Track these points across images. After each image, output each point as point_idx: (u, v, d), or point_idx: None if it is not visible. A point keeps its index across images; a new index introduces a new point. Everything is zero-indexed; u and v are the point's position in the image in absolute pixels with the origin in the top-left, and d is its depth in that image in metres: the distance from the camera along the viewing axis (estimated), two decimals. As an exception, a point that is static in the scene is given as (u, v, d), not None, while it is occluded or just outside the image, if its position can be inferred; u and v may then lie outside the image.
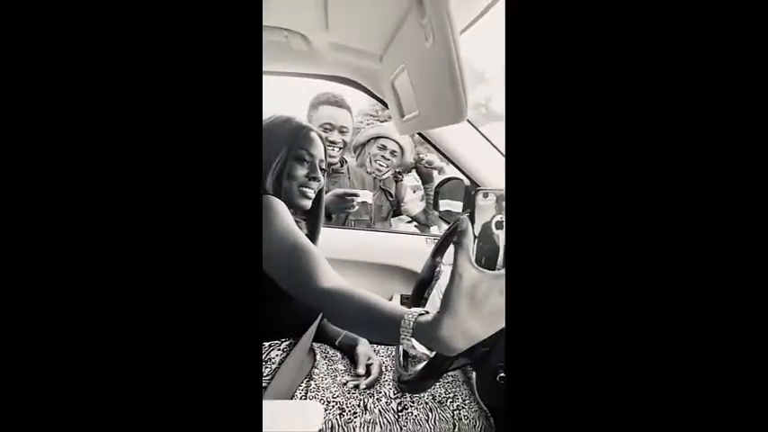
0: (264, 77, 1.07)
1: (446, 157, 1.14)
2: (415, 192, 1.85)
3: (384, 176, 1.68)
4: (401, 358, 0.89)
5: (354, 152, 1.78)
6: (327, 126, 1.45)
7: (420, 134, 1.12)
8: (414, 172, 1.84)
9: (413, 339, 0.49)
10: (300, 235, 0.71)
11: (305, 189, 0.82)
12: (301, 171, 0.82)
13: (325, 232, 1.38)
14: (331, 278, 0.65)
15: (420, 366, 0.74)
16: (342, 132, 1.48)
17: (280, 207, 0.72)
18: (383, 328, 0.54)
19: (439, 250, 1.05)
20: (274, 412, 0.64)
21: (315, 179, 0.83)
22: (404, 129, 0.91)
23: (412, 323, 0.49)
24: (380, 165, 1.67)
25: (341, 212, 1.41)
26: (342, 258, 1.30)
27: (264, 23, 0.85)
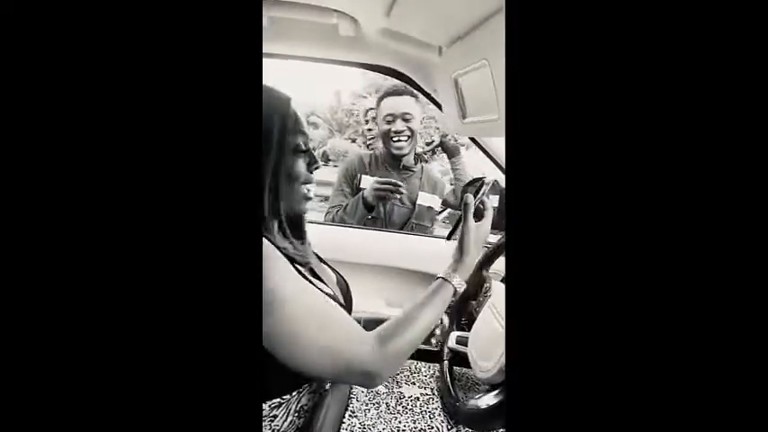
0: (302, 62, 0.95)
1: (495, 163, 1.05)
2: (442, 176, 1.73)
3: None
4: (449, 384, 0.81)
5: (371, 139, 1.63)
6: (389, 117, 1.34)
7: (472, 139, 1.02)
8: (439, 150, 1.72)
9: None
10: (311, 289, 0.52)
11: (308, 187, 0.60)
12: (302, 164, 0.59)
13: (339, 232, 1.29)
14: (367, 336, 0.53)
15: (483, 401, 0.66)
16: (405, 120, 1.34)
17: (270, 253, 0.49)
18: None
19: (488, 261, 0.97)
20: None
21: (316, 167, 0.61)
22: (463, 130, 0.82)
23: None
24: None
25: (380, 201, 1.29)
26: (352, 261, 1.19)
27: (315, 3, 0.73)
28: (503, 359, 0.69)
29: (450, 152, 1.61)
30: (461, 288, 0.62)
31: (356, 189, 1.39)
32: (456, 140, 1.64)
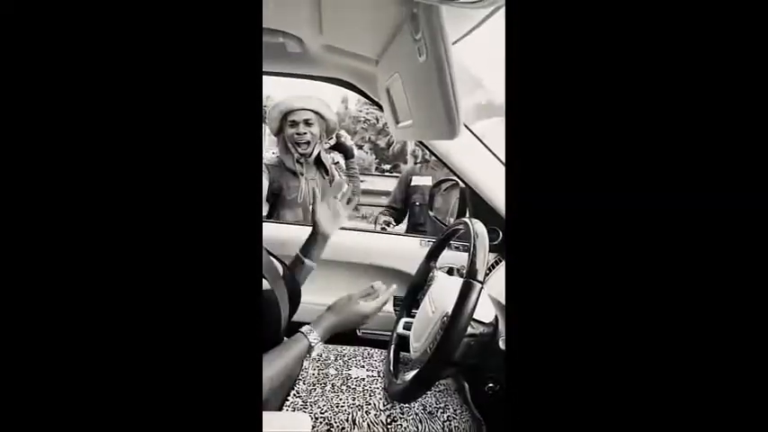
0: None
1: (443, 162, 1.13)
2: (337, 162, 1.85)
3: (313, 152, 1.58)
4: (391, 365, 0.89)
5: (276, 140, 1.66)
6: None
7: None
8: (332, 151, 1.85)
9: None
10: None
11: None
12: None
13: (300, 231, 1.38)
14: None
15: (408, 376, 0.74)
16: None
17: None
18: None
19: (433, 254, 1.04)
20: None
21: None
22: (399, 135, 0.90)
23: None
24: (302, 143, 1.54)
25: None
26: (332, 259, 1.29)
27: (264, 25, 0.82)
28: (429, 340, 0.77)
29: (347, 152, 1.77)
30: (316, 344, 0.71)
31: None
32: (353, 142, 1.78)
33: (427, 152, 2.03)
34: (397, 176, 1.79)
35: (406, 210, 2.00)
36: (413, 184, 1.95)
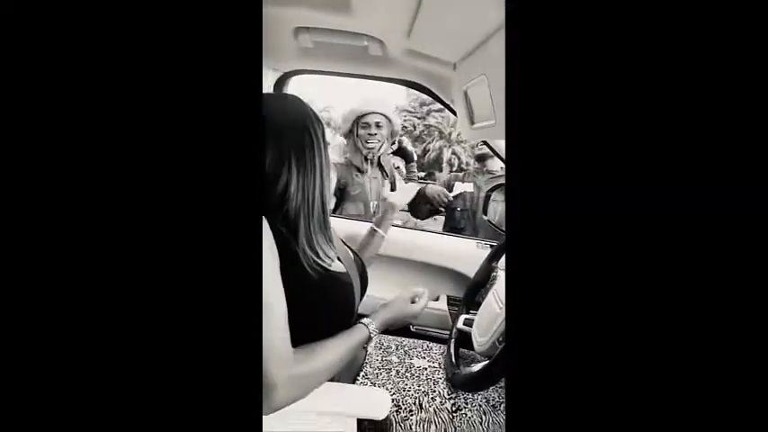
0: (340, 79, 1.11)
1: (501, 159, 1.15)
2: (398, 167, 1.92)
3: (380, 152, 1.70)
4: (453, 357, 0.92)
5: (346, 141, 1.76)
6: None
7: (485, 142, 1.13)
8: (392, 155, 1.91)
9: None
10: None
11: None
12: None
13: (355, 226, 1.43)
14: None
15: (475, 367, 0.77)
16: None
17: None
18: None
19: (496, 255, 1.07)
20: (345, 395, 0.69)
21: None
22: (473, 135, 0.93)
23: None
24: (372, 141, 1.66)
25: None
26: (389, 255, 1.33)
27: (348, 29, 0.89)
28: (496, 334, 0.80)
29: (407, 157, 1.84)
30: (375, 334, 0.74)
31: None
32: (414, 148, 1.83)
33: (463, 161, 2.09)
34: (432, 183, 1.88)
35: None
36: (455, 190, 1.99)
